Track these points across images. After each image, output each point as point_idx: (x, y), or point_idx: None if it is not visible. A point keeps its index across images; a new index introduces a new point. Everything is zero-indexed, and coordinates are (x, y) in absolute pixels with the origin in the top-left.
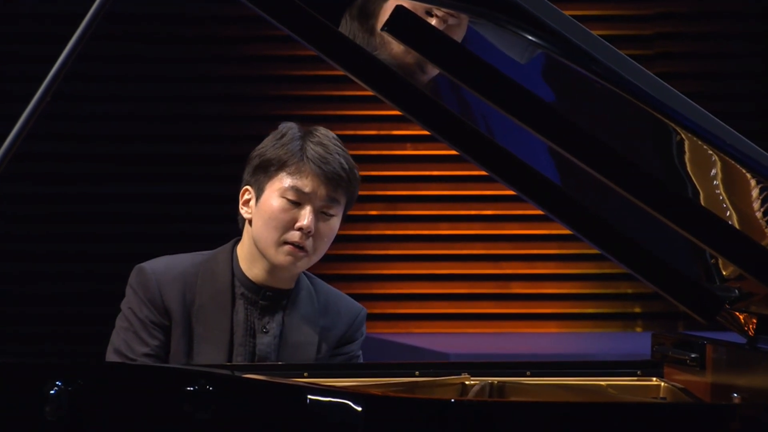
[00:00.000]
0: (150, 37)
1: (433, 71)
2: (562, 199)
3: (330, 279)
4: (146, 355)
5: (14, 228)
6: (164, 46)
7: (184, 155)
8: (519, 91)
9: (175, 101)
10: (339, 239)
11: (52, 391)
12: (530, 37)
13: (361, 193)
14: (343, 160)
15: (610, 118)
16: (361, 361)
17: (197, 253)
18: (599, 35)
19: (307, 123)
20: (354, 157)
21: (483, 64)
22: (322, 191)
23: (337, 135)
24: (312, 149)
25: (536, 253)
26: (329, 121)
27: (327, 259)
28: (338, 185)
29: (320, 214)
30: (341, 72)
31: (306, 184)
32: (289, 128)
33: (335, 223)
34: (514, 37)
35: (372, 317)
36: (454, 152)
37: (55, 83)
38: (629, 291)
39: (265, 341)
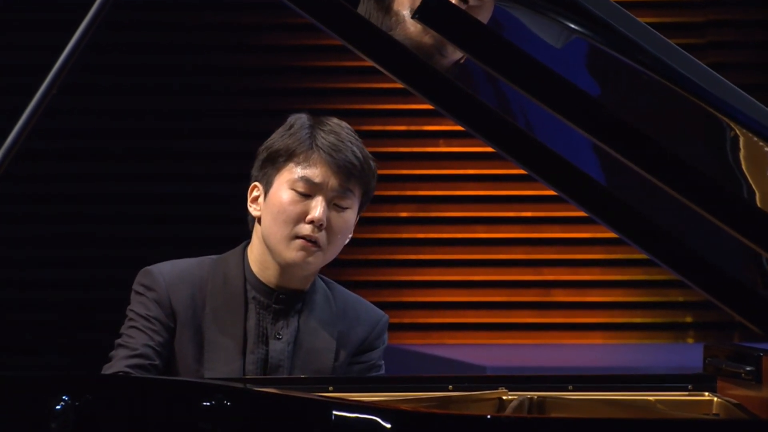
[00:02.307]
0: (161, 24)
1: (454, 54)
2: (607, 200)
3: (357, 286)
4: (148, 346)
5: (15, 230)
6: (176, 34)
7: (198, 152)
8: (560, 84)
9: (188, 94)
10: (367, 243)
11: (58, 407)
12: (572, 26)
13: (390, 193)
14: (356, 149)
15: (658, 112)
16: (383, 371)
17: (206, 257)
18: (646, 23)
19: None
20: (383, 154)
21: (522, 54)
22: (333, 181)
23: (365, 131)
24: (322, 137)
25: (580, 259)
26: (355, 116)
27: (354, 264)
28: (351, 175)
29: (333, 207)
30: (368, 63)
31: (316, 174)
32: (298, 118)
33: (350, 216)
34: (552, 23)
35: (403, 327)
36: (490, 149)
37: (62, 75)
38: (680, 299)
39: (277, 348)
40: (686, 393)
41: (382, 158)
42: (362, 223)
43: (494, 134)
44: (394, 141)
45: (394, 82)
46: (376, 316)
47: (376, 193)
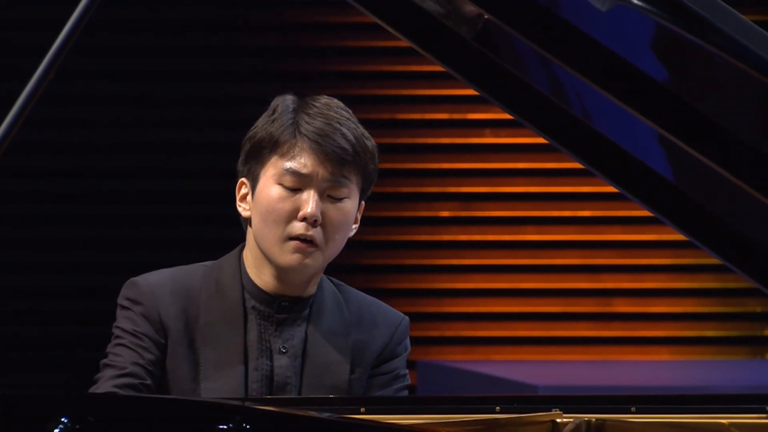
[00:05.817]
0: (170, 3)
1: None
2: (675, 198)
3: (392, 294)
4: (137, 364)
5: (4, 231)
6: (186, 10)
7: (208, 144)
8: (621, 66)
9: (197, 81)
10: (403, 246)
11: (56, 430)
12: (635, 1)
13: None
14: (346, 130)
15: (733, 99)
16: (408, 381)
17: (198, 264)
18: None
19: (364, 105)
20: (421, 146)
21: (577, 32)
22: (323, 171)
23: (401, 120)
24: (306, 122)
25: (644, 264)
26: (391, 103)
27: (388, 270)
28: (343, 161)
29: (327, 199)
30: (404, 43)
31: (303, 165)
32: (283, 100)
33: (348, 207)
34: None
35: (444, 341)
36: (542, 140)
37: (60, 58)
38: (758, 310)
39: (283, 363)
40: (764, 415)
41: (421, 150)
42: (398, 224)
43: (547, 123)
44: (434, 131)
45: (434, 64)
46: (395, 319)
47: (413, 190)
